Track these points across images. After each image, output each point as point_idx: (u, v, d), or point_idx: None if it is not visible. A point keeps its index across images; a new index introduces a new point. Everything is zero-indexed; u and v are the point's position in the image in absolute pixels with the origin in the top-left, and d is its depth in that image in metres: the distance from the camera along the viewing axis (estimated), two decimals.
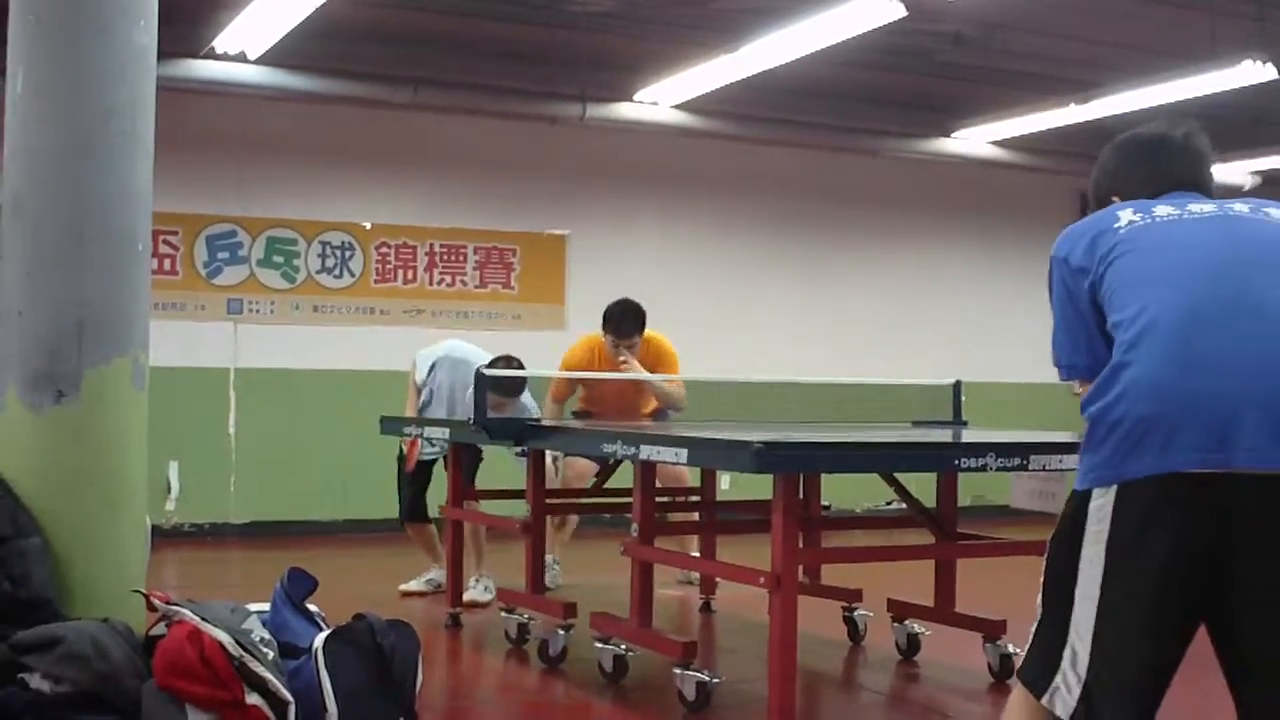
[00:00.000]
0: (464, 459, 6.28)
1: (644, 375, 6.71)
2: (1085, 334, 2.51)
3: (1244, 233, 2.47)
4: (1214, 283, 2.38)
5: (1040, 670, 2.47)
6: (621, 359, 6.68)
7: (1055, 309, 2.58)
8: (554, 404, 6.96)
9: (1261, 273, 2.39)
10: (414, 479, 6.80)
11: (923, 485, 5.22)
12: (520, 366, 6.31)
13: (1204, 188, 2.66)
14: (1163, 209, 2.53)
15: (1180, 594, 2.33)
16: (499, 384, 5.94)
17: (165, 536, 8.31)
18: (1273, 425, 2.26)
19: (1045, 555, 2.50)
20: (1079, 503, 2.42)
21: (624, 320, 6.64)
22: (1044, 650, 2.47)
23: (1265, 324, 2.33)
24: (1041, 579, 2.51)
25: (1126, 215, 2.53)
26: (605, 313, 6.73)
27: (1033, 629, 2.53)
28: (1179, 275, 2.40)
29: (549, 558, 6.51)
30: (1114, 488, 2.35)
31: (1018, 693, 2.56)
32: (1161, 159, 2.69)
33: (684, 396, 7.02)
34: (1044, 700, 2.45)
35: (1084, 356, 2.52)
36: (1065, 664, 2.41)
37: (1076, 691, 2.40)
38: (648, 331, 6.77)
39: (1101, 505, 2.37)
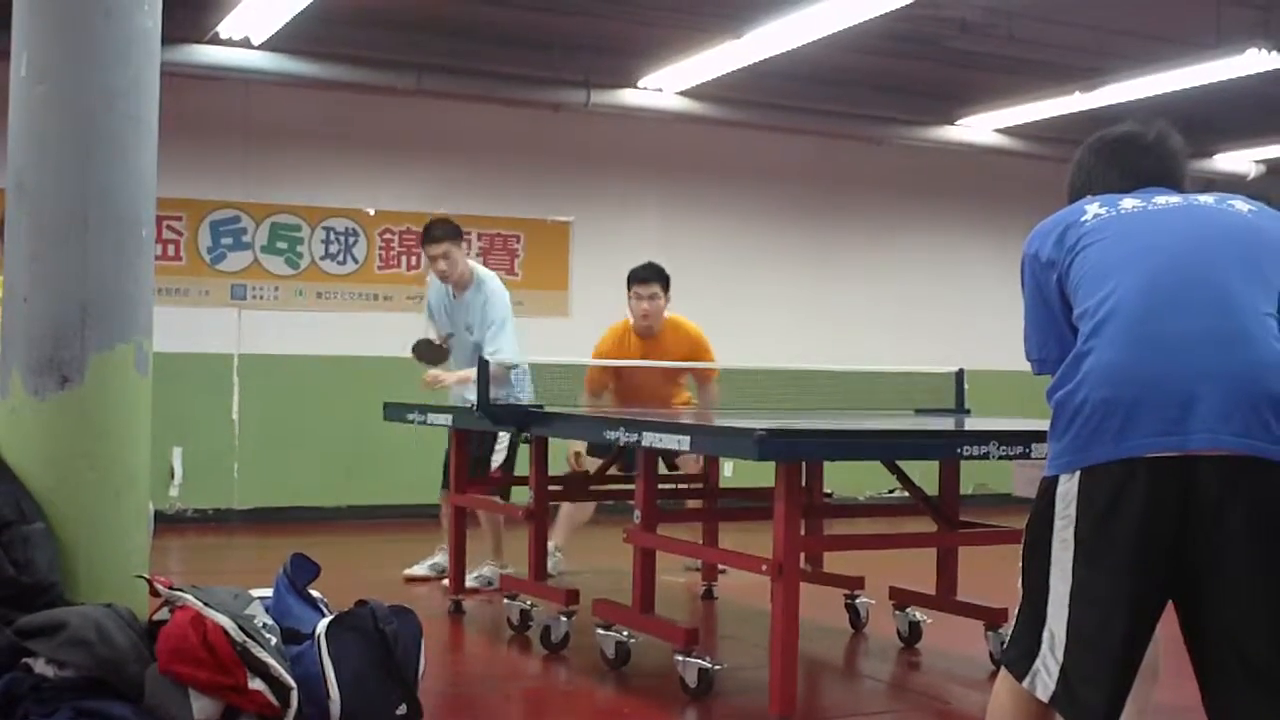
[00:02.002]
0: (472, 443, 6.25)
1: (673, 364, 6.78)
2: (1055, 328, 2.57)
3: (1206, 221, 2.51)
4: (1172, 268, 2.43)
5: (1021, 653, 2.50)
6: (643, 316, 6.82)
7: (1027, 304, 2.63)
8: (590, 397, 6.98)
9: (1220, 257, 2.43)
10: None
11: (925, 473, 5.22)
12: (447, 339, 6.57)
13: (1175, 183, 2.70)
14: (1129, 202, 2.58)
15: (1146, 576, 2.36)
16: (425, 354, 6.41)
17: (169, 522, 8.32)
18: (1230, 404, 2.29)
19: (1022, 541, 2.54)
20: (1047, 488, 2.46)
21: (644, 269, 6.86)
22: (1024, 634, 2.50)
23: (1222, 303, 2.37)
24: (1020, 564, 2.53)
25: (1093, 209, 2.58)
26: (629, 274, 6.91)
27: (1016, 613, 2.55)
28: (1139, 263, 2.44)
29: (550, 545, 6.52)
30: (1077, 473, 2.39)
31: (1002, 676, 2.59)
32: (1133, 156, 2.74)
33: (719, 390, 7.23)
34: (1025, 683, 2.47)
35: (1055, 350, 2.56)
36: (1044, 647, 2.44)
37: (1055, 673, 2.42)
38: (679, 318, 6.92)
39: (1067, 491, 2.41)
